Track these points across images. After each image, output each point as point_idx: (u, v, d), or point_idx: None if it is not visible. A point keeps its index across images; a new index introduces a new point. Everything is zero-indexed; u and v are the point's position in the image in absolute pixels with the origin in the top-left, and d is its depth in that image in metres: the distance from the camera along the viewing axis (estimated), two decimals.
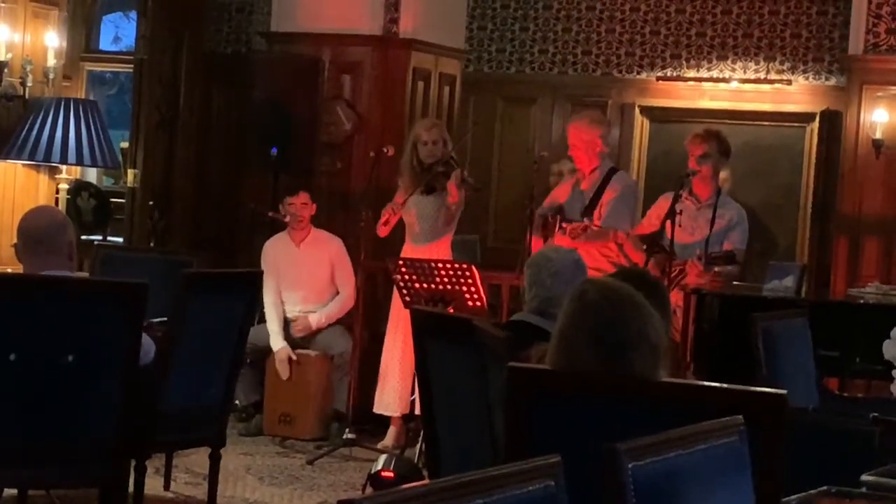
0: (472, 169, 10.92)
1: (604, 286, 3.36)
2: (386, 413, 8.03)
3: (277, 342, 8.17)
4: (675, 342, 6.78)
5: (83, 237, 9.55)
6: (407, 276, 7.39)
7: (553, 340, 3.35)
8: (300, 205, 8.24)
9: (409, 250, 7.93)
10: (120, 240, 9.92)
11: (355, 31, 9.06)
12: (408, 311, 7.73)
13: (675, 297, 7.05)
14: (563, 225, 7.51)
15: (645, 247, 7.49)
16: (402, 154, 8.06)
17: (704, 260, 7.37)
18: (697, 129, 8.37)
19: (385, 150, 8.01)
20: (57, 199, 8.67)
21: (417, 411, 7.80)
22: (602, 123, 8.14)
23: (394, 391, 7.99)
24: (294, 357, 8.16)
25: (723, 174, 8.87)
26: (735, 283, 7.60)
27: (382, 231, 7.95)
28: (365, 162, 8.48)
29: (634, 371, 3.18)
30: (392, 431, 8.02)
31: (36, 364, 4.89)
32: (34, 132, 8.29)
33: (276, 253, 8.34)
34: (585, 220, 7.55)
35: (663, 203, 7.66)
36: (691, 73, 10.69)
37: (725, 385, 3.14)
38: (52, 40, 8.55)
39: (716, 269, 7.41)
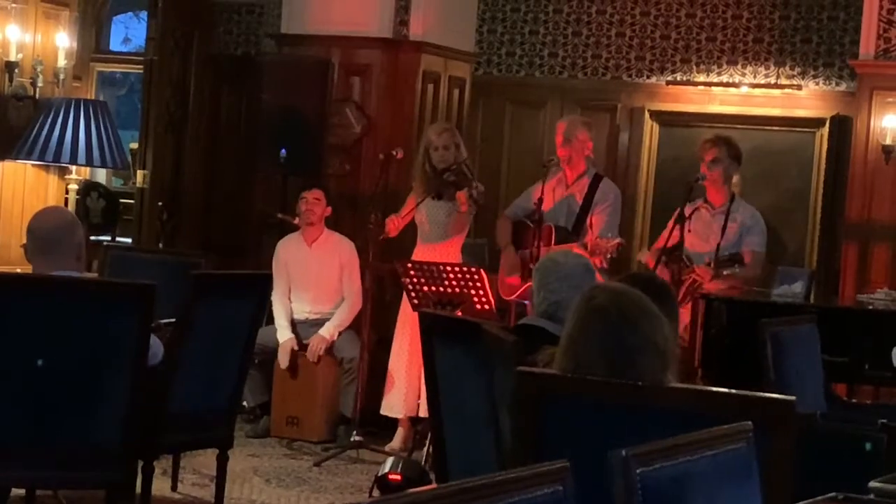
0: (482, 173, 10.94)
1: (612, 291, 3.36)
2: (391, 415, 8.03)
3: (284, 334, 8.17)
4: (684, 348, 6.77)
5: (92, 238, 9.56)
6: (416, 279, 7.39)
7: (561, 344, 3.35)
8: (312, 199, 8.23)
9: (420, 250, 7.95)
10: (129, 240, 9.93)
11: (365, 33, 9.06)
12: (416, 314, 7.75)
13: (689, 308, 7.04)
14: (586, 241, 7.44)
15: (664, 258, 7.44)
16: (414, 157, 8.07)
17: (714, 266, 7.36)
18: (707, 133, 8.36)
19: (394, 152, 8.01)
20: (66, 200, 8.68)
21: (423, 413, 7.82)
22: (590, 127, 8.11)
23: (400, 393, 7.99)
24: (296, 348, 8.15)
25: (733, 179, 8.86)
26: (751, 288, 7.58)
27: (392, 232, 7.95)
28: (374, 164, 8.48)
29: (642, 376, 3.18)
30: (400, 433, 8.02)
31: (44, 364, 4.90)
32: (44, 132, 8.30)
33: (288, 252, 8.34)
34: (607, 236, 7.44)
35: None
36: (701, 78, 10.69)
37: (734, 391, 3.13)
38: (62, 41, 8.56)
39: (724, 272, 7.40)
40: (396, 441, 7.97)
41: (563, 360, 3.30)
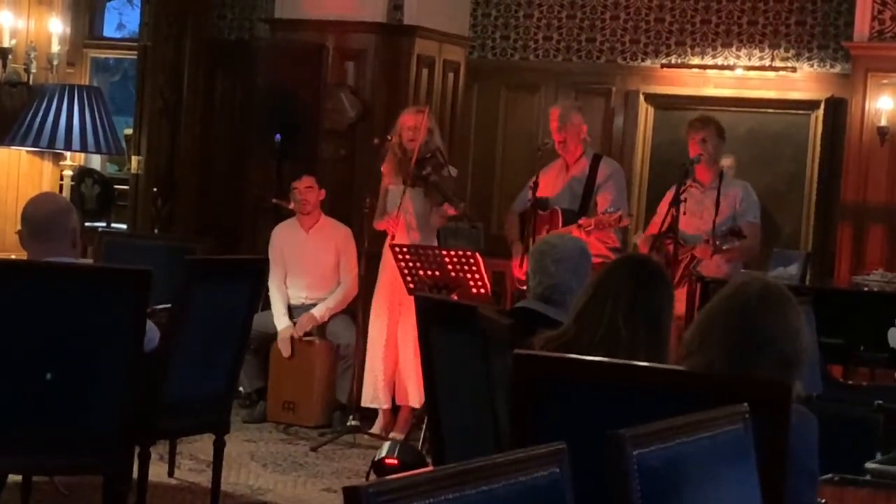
0: (476, 157, 10.92)
1: (766, 288, 3.21)
2: (369, 405, 7.96)
3: (282, 322, 8.16)
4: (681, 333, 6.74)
5: (87, 224, 9.55)
6: (411, 263, 7.38)
7: (697, 320, 3.27)
8: (304, 188, 8.23)
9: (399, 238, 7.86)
10: (124, 226, 9.93)
11: (359, 17, 9.05)
12: (389, 300, 7.76)
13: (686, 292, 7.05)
14: (581, 222, 7.45)
15: (657, 244, 7.45)
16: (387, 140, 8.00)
17: (713, 242, 7.36)
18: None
19: (375, 140, 8.01)
20: (61, 186, 8.67)
21: (407, 402, 7.83)
22: (581, 110, 8.14)
23: (372, 383, 7.93)
24: (296, 335, 8.14)
25: (727, 161, 8.87)
26: (742, 270, 7.59)
27: (381, 225, 7.92)
28: (369, 149, 8.47)
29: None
30: (379, 421, 7.99)
31: (40, 351, 4.89)
32: (38, 119, 8.29)
33: (284, 238, 8.32)
34: (609, 211, 7.48)
35: (670, 196, 7.65)
36: (696, 61, 10.67)
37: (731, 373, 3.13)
38: (55, 27, 8.55)
39: (725, 247, 7.40)
40: (376, 428, 7.92)
41: (692, 333, 3.23)
